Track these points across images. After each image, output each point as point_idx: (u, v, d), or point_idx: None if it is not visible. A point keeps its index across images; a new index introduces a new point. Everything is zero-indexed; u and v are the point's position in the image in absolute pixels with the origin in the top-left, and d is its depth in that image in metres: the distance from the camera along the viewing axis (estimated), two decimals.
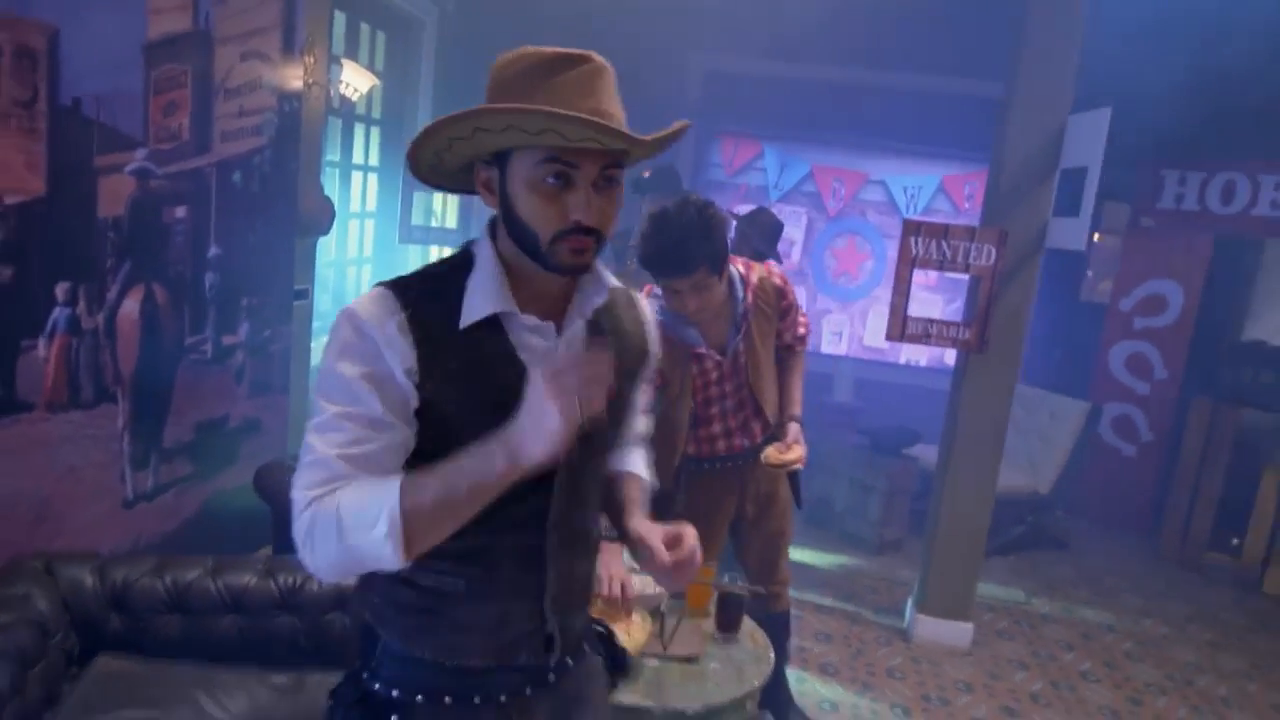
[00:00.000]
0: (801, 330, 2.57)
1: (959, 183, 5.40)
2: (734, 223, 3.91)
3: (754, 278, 2.40)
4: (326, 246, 3.99)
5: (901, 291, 3.21)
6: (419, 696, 1.13)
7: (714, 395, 2.41)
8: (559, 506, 1.12)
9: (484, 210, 1.13)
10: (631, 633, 1.77)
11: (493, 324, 1.05)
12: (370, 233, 4.80)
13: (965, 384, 3.34)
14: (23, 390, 2.18)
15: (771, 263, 2.65)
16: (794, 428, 2.43)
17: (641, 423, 1.35)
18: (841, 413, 5.26)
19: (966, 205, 5.37)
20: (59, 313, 2.28)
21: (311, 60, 3.34)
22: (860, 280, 5.68)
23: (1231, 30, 4.30)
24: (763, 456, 2.35)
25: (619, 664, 1.34)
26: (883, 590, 4.00)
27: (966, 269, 3.19)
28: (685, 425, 2.39)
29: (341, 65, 3.97)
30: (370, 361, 1.00)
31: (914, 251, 3.18)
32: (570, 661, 1.22)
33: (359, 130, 4.50)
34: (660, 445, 1.96)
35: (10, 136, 2.07)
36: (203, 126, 2.80)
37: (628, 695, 1.70)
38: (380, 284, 1.06)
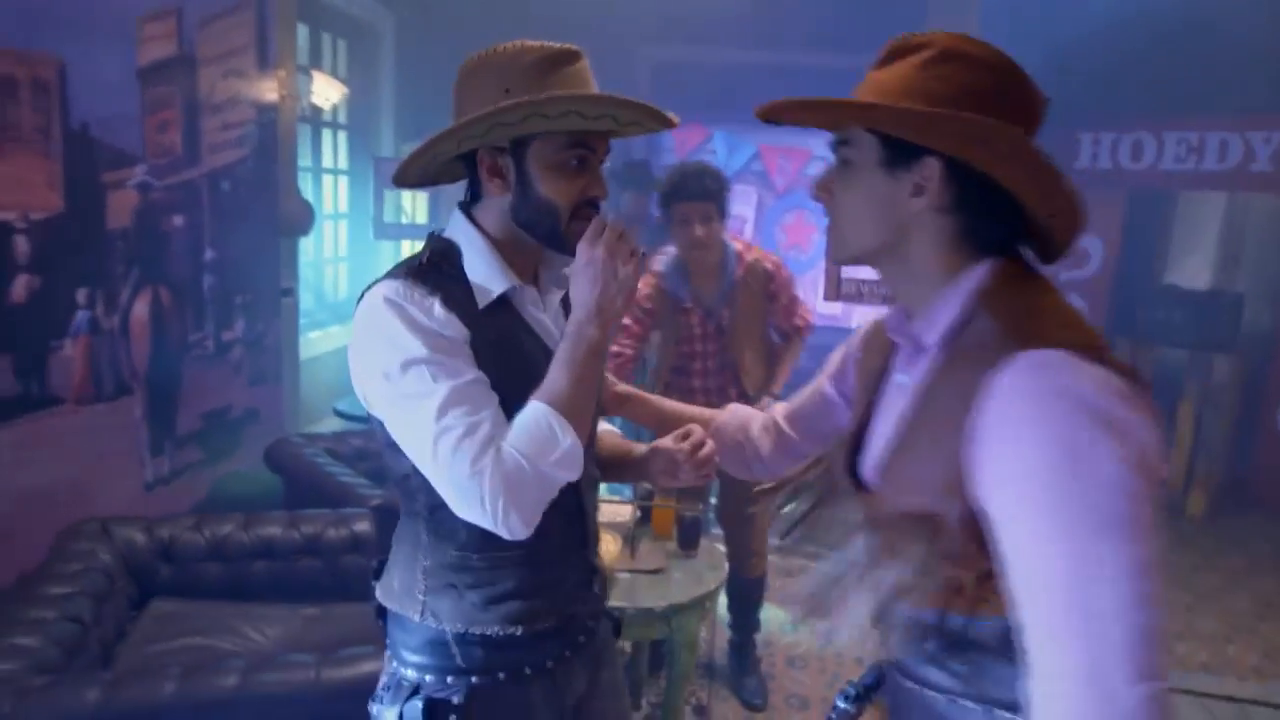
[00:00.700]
0: (799, 321, 2.82)
1: None
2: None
3: (749, 257, 2.69)
4: (305, 247, 4.26)
5: None
6: (474, 679, 1.15)
7: (696, 351, 2.70)
8: (586, 461, 1.17)
9: (453, 203, 1.20)
10: (607, 548, 2.10)
11: (502, 299, 1.12)
12: (344, 233, 5.07)
13: None
14: (55, 386, 2.46)
15: (770, 250, 2.93)
16: (766, 401, 2.68)
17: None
18: (802, 376, 5.61)
19: None
20: (81, 316, 2.56)
21: (283, 74, 3.62)
22: (810, 252, 6.04)
23: None
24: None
25: (617, 628, 1.42)
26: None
27: None
28: (665, 368, 2.72)
29: (311, 76, 4.22)
30: (436, 335, 1.03)
31: None
32: (591, 623, 1.29)
33: (327, 135, 4.75)
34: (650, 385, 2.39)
35: (32, 159, 2.34)
36: (192, 141, 3.08)
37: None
38: (391, 280, 1.07)
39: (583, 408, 1.06)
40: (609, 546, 2.10)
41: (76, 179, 2.50)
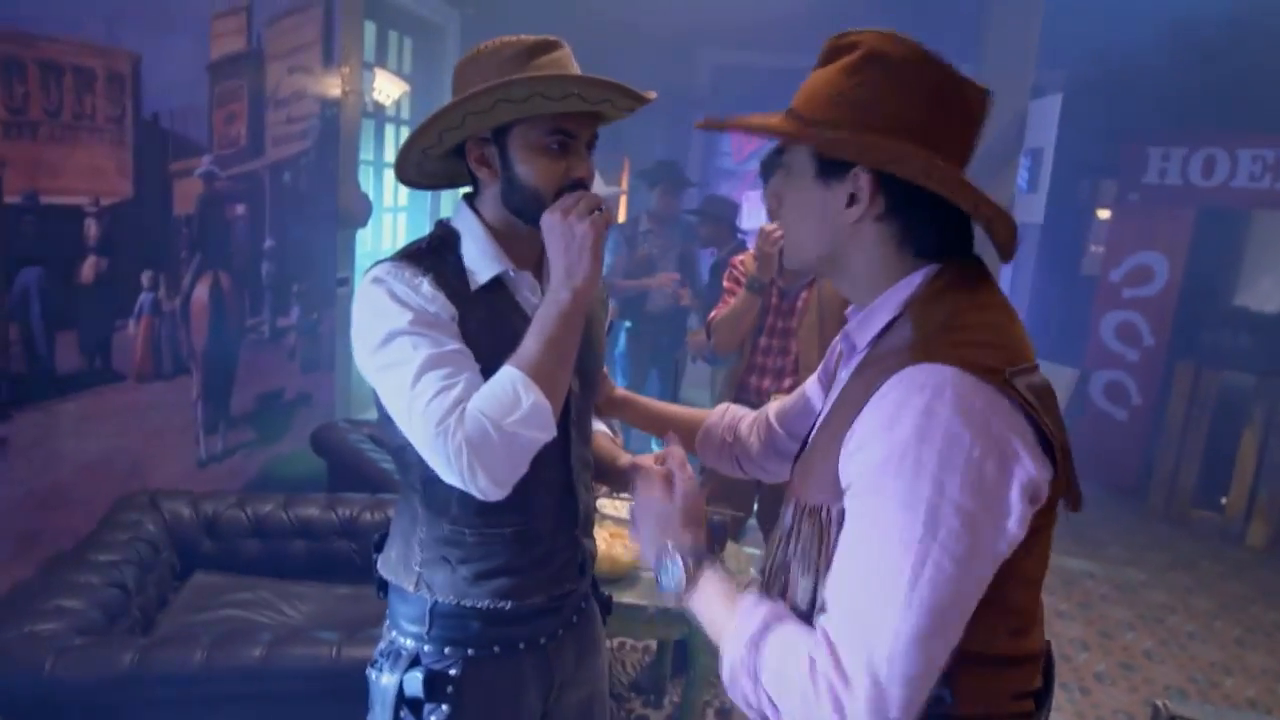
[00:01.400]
0: None
1: None
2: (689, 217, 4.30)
3: None
4: (363, 239, 4.38)
5: None
6: (470, 650, 1.19)
7: (765, 325, 2.69)
8: (575, 442, 1.25)
9: None
10: (630, 545, 2.13)
11: (496, 283, 1.16)
12: (403, 226, 5.19)
13: None
14: (118, 363, 2.58)
15: None
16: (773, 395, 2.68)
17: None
18: None
19: None
20: (144, 297, 2.68)
21: (347, 70, 3.73)
22: None
23: (1208, 6, 4.55)
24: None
25: (607, 607, 1.45)
26: None
27: None
28: (749, 336, 2.71)
29: (374, 73, 4.34)
30: (420, 310, 1.07)
31: None
32: (584, 605, 1.34)
33: (390, 131, 4.88)
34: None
35: (105, 147, 2.46)
36: (257, 133, 3.20)
37: (627, 596, 2.06)
38: (385, 262, 1.13)
39: (551, 370, 1.07)
40: (631, 544, 2.13)
41: (146, 167, 2.62)
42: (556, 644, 1.27)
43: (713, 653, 2.16)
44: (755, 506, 2.90)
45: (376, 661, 1.23)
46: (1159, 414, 5.14)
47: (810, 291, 2.64)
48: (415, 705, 1.18)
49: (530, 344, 1.08)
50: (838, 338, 1.13)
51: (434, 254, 1.15)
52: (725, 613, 0.93)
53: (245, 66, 3.09)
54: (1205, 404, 4.88)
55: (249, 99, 3.13)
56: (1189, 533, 4.84)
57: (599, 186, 4.02)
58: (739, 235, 4.28)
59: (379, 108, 4.59)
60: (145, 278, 2.68)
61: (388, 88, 4.49)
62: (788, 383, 2.67)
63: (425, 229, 1.25)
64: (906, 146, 0.85)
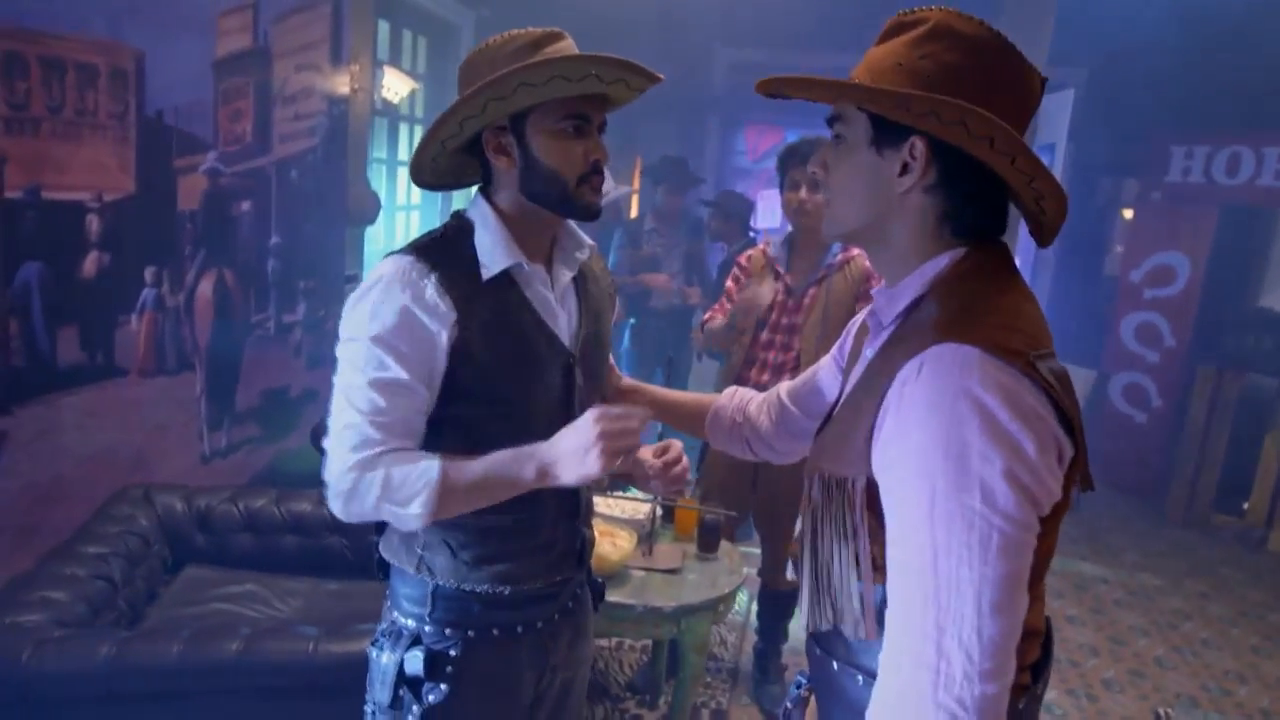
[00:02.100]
0: None
1: None
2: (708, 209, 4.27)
3: (854, 252, 2.64)
4: (374, 236, 4.40)
5: None
6: (470, 632, 1.23)
7: (768, 320, 2.67)
8: None
9: None
10: (618, 544, 2.12)
11: (506, 276, 1.18)
12: (415, 224, 5.21)
13: None
14: (120, 358, 2.61)
15: None
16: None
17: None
18: None
19: None
20: (147, 293, 2.70)
21: (357, 68, 3.75)
22: None
23: (1233, 3, 4.46)
24: None
25: (600, 594, 1.49)
26: None
27: None
28: (750, 329, 2.70)
29: (385, 71, 4.35)
30: (401, 327, 1.09)
31: None
32: (579, 591, 1.38)
33: (404, 129, 4.89)
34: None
35: (107, 144, 2.49)
36: (264, 130, 3.22)
37: (615, 595, 2.04)
38: (396, 253, 1.16)
39: (461, 504, 1.12)
40: (623, 543, 2.11)
41: (149, 163, 2.64)
42: (552, 628, 1.31)
43: (702, 652, 2.14)
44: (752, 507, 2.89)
45: (377, 640, 1.26)
46: (1179, 417, 5.04)
47: (818, 289, 2.61)
48: (415, 684, 1.22)
49: (472, 470, 1.11)
50: (857, 317, 1.17)
51: (447, 245, 1.18)
52: None
53: (251, 64, 3.11)
54: (1227, 407, 4.78)
55: (255, 96, 3.15)
56: (1209, 538, 4.74)
57: (607, 184, 4.02)
58: (751, 233, 4.25)
59: (391, 106, 4.60)
60: (148, 273, 2.70)
61: (399, 86, 4.51)
62: (786, 379, 2.63)
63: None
64: (976, 109, 0.85)
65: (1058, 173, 3.21)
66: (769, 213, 4.91)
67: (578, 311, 1.29)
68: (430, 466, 1.10)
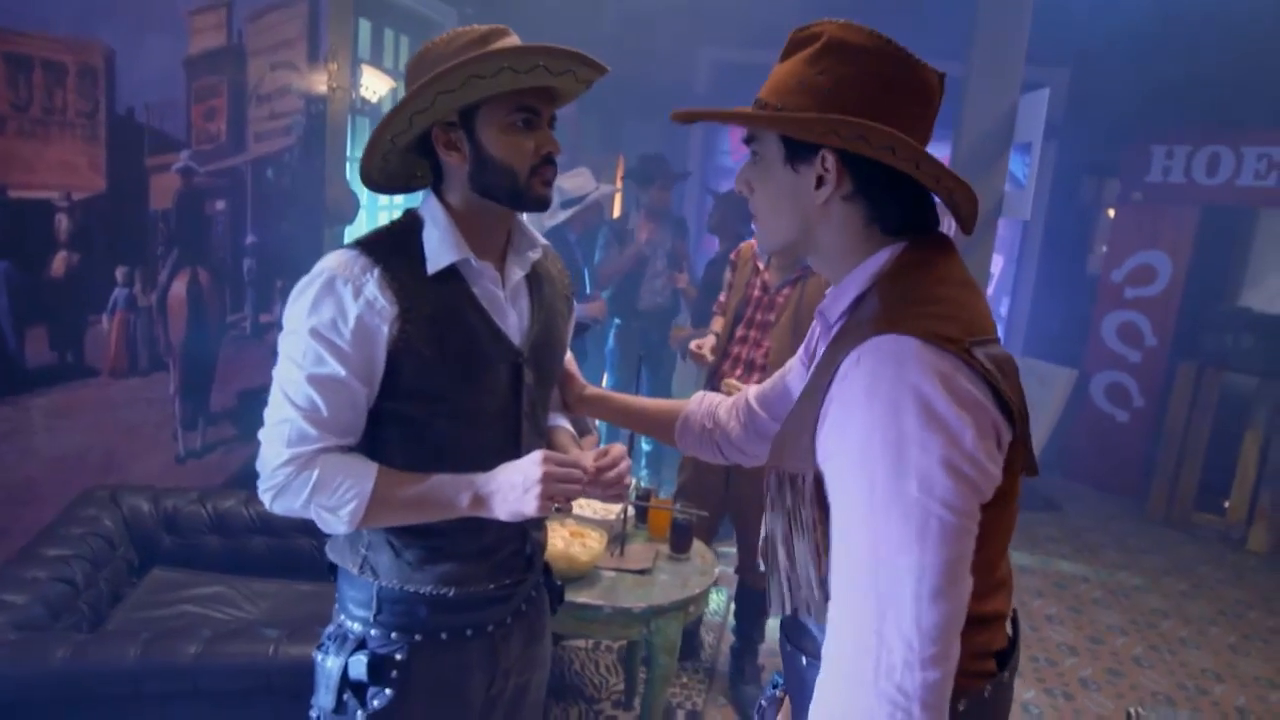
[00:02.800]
0: None
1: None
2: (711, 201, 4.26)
3: None
4: (354, 235, 4.36)
5: None
6: (417, 636, 1.21)
7: (742, 314, 2.70)
8: (527, 434, 1.26)
9: None
10: (589, 544, 2.11)
11: (453, 272, 1.17)
12: None
13: None
14: (90, 358, 2.58)
15: None
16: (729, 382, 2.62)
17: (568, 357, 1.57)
18: None
19: None
20: (118, 293, 2.68)
21: (335, 67, 3.72)
22: None
23: (1213, 3, 4.47)
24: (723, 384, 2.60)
25: (558, 596, 1.47)
26: None
27: None
28: (730, 323, 2.74)
29: (363, 69, 4.33)
30: (339, 322, 1.09)
31: None
32: (534, 593, 1.37)
33: None
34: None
35: (76, 142, 2.46)
36: (238, 129, 3.19)
37: (584, 596, 2.03)
38: (346, 250, 1.15)
39: (391, 516, 1.14)
40: (594, 544, 2.10)
41: (120, 162, 2.61)
42: (504, 632, 1.29)
43: (672, 653, 2.13)
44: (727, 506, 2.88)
45: (323, 644, 1.25)
46: (1160, 416, 5.06)
47: (793, 290, 2.62)
48: (359, 688, 1.20)
49: (407, 488, 1.13)
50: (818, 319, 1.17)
51: (394, 240, 1.17)
52: None
53: (225, 62, 3.09)
54: (1207, 406, 4.80)
55: (229, 95, 3.12)
56: (1190, 537, 4.76)
57: (585, 182, 4.00)
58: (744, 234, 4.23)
59: (371, 105, 4.58)
60: (120, 273, 2.67)
61: (379, 85, 4.49)
62: (757, 377, 2.64)
63: None
64: (870, 124, 0.87)
65: (1036, 172, 3.22)
66: None
67: (529, 311, 1.28)
68: (365, 477, 1.11)
